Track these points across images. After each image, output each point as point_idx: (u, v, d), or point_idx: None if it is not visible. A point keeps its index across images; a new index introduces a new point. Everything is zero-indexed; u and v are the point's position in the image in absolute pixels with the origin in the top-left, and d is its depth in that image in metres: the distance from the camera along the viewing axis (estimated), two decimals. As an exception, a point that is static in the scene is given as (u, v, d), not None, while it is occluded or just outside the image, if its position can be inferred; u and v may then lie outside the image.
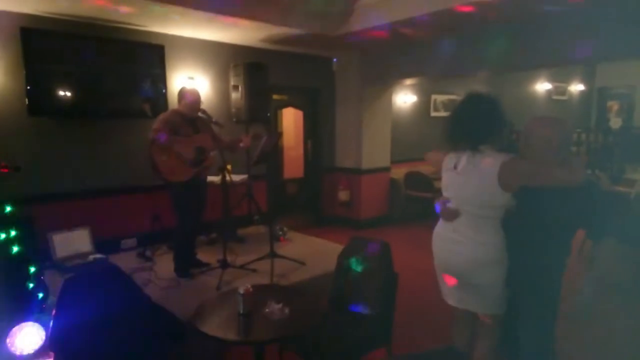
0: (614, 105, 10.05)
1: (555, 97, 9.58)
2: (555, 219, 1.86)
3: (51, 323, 1.96)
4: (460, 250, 2.00)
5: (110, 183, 4.29)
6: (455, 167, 2.05)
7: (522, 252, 1.94)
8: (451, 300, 2.15)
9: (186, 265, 3.63)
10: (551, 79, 9.39)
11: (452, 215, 2.02)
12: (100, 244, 4.01)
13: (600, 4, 3.64)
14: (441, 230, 2.12)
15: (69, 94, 3.92)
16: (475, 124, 1.99)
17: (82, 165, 4.12)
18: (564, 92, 9.87)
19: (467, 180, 1.99)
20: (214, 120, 3.61)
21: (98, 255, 3.83)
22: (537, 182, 1.87)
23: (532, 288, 1.94)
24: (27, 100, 3.70)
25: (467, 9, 3.62)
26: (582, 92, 10.22)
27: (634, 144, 8.44)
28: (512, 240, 1.97)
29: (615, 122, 9.09)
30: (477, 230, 1.97)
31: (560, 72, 9.48)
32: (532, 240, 1.93)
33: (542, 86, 9.29)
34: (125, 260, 3.84)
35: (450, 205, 2.04)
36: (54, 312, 1.94)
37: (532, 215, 1.92)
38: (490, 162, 1.92)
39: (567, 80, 9.91)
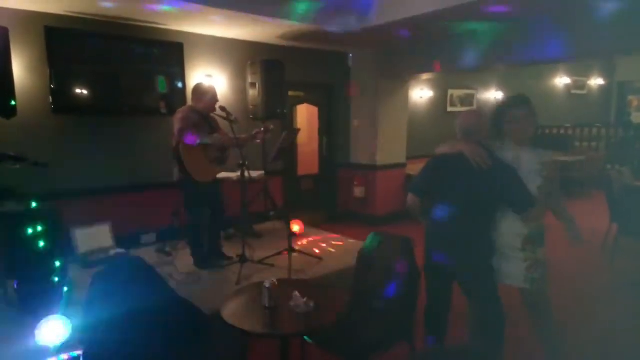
0: (635, 100, 9.84)
1: (574, 92, 9.42)
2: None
3: (80, 316, 2.01)
4: None
5: (130, 179, 4.35)
6: None
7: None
8: None
9: (204, 257, 3.67)
10: (570, 73, 9.23)
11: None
12: (120, 239, 4.08)
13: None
14: None
15: (91, 92, 4.00)
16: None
17: (103, 162, 4.19)
18: (583, 86, 9.70)
19: None
20: (233, 117, 3.61)
21: (119, 250, 3.90)
22: None
23: None
24: (51, 98, 3.78)
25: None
26: (601, 86, 10.02)
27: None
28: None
29: (637, 117, 8.89)
30: None
31: (579, 66, 9.32)
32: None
33: (561, 80, 9.14)
34: (145, 255, 3.86)
35: None
36: (84, 304, 1.98)
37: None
38: None
39: (587, 74, 9.73)
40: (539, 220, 2.17)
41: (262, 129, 3.74)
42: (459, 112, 2.38)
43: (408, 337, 2.33)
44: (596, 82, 9.93)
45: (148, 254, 4.00)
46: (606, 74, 9.95)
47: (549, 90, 9.06)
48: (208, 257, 3.74)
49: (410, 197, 2.34)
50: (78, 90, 3.96)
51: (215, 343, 2.17)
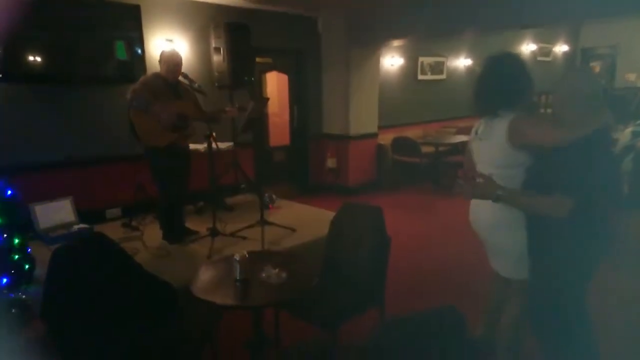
0: (596, 67, 10.11)
1: (539, 59, 9.56)
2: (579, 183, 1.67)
3: (41, 294, 1.92)
4: (481, 212, 2.04)
5: (91, 151, 4.15)
6: (476, 133, 2.07)
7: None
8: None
9: (175, 232, 3.58)
10: (536, 40, 9.33)
11: (467, 193, 1.96)
12: (84, 215, 3.92)
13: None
14: None
15: (42, 59, 3.74)
16: (490, 88, 1.96)
17: (60, 134, 3.96)
18: (548, 53, 9.85)
19: (485, 143, 2.00)
20: (196, 84, 3.46)
21: (82, 226, 3.76)
22: (534, 141, 1.84)
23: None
24: (-2, 65, 3.50)
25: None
26: (565, 53, 10.21)
27: (615, 105, 8.57)
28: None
29: (598, 84, 9.15)
30: None
31: (545, 33, 9.42)
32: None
33: (527, 47, 9.24)
34: (111, 231, 3.75)
35: (462, 182, 1.97)
36: (44, 283, 1.88)
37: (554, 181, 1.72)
38: (502, 122, 1.91)
39: (552, 41, 9.87)
40: None
41: (237, 106, 3.62)
42: (571, 73, 1.89)
43: (379, 303, 2.37)
44: (561, 49, 10.10)
45: (114, 229, 3.88)
46: (571, 40, 10.13)
47: (516, 58, 9.17)
48: (179, 231, 3.65)
49: (567, 203, 1.66)
50: (28, 57, 3.68)
51: (187, 317, 2.14)
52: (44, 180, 3.85)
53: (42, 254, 2.91)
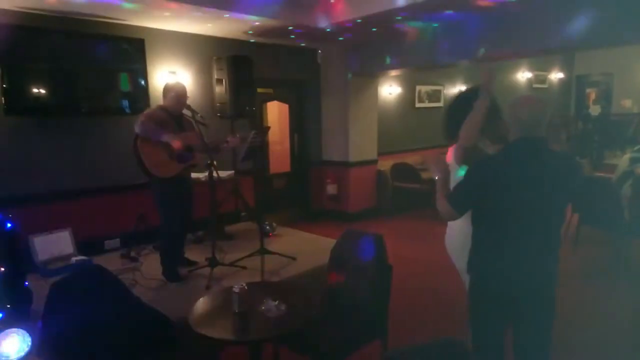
0: (592, 93, 10.27)
1: (535, 86, 9.71)
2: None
3: (39, 329, 1.89)
4: (453, 235, 2.29)
5: (91, 182, 4.16)
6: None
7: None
8: None
9: (175, 269, 3.51)
10: (532, 68, 9.51)
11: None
12: (82, 246, 3.90)
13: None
14: None
15: (46, 91, 3.81)
16: (452, 119, 2.14)
17: (61, 165, 3.99)
18: (544, 80, 10.02)
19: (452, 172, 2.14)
20: (199, 115, 3.51)
21: (81, 257, 3.72)
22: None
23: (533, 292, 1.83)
24: (3, 98, 3.57)
25: None
26: (561, 80, 10.39)
27: (612, 131, 8.66)
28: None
29: (594, 110, 9.28)
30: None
31: (541, 61, 9.61)
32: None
33: (523, 75, 9.41)
34: (110, 262, 3.74)
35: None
36: (42, 317, 1.86)
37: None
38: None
39: (547, 68, 10.05)
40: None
41: (239, 136, 3.66)
42: (514, 101, 1.81)
43: (381, 335, 2.33)
44: (556, 76, 10.28)
45: (112, 260, 3.85)
46: (566, 67, 10.33)
47: (512, 85, 9.31)
48: (178, 267, 3.58)
49: (448, 210, 1.81)
50: (34, 90, 3.75)
51: (185, 351, 2.10)
52: (43, 211, 3.84)
53: (40, 287, 2.88)
